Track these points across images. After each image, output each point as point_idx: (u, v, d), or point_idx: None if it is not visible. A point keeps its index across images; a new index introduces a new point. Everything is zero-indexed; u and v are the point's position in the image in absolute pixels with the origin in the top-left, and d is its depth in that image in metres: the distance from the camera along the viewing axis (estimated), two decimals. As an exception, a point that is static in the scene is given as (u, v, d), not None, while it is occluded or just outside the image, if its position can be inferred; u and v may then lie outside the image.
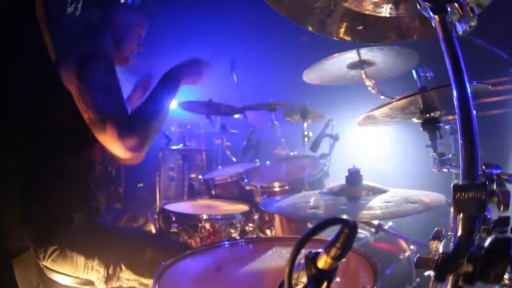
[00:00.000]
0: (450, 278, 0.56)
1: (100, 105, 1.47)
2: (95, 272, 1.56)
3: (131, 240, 1.64)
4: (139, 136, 1.45)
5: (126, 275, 1.55)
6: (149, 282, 1.54)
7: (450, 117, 1.60)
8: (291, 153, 3.32)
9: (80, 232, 1.59)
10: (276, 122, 3.44)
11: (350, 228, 0.57)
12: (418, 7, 0.75)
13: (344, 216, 0.56)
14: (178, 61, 1.76)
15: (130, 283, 1.56)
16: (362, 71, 2.13)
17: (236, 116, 4.13)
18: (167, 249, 1.46)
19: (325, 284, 0.59)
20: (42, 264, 1.59)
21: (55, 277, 1.61)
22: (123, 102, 1.54)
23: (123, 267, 1.55)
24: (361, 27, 1.07)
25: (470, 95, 0.65)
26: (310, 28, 1.04)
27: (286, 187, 2.35)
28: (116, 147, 1.44)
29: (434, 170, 1.29)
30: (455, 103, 0.66)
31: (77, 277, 1.59)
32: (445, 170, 1.27)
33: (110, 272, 1.55)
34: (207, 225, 2.07)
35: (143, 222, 2.20)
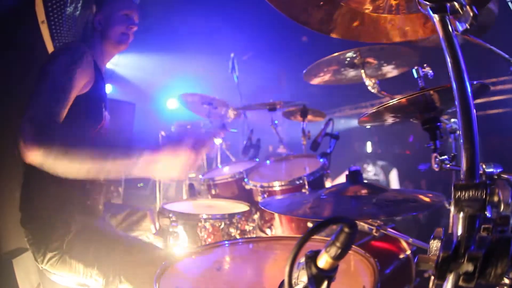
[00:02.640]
0: (450, 277, 0.56)
1: (35, 95, 1.35)
2: (94, 281, 1.55)
3: (132, 252, 1.62)
4: (45, 150, 1.19)
5: (125, 287, 1.54)
6: None
7: (449, 116, 1.60)
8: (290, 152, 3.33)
9: (79, 239, 1.57)
10: (276, 122, 3.44)
11: (350, 227, 0.57)
12: (418, 7, 0.75)
13: (344, 216, 0.56)
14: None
15: None
16: (362, 71, 2.13)
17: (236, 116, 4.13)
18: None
19: (325, 283, 0.59)
20: (41, 267, 1.59)
21: (54, 278, 1.61)
22: (56, 106, 1.35)
23: (122, 279, 1.53)
24: (361, 27, 1.07)
25: (470, 94, 0.65)
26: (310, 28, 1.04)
27: (286, 187, 2.35)
28: (20, 141, 1.21)
29: (435, 169, 1.29)
30: (456, 102, 0.66)
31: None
32: (446, 169, 1.27)
33: (109, 282, 1.53)
34: (207, 225, 2.07)
35: (141, 217, 2.19)
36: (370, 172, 5.30)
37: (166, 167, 1.21)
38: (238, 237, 2.09)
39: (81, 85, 1.56)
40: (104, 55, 1.84)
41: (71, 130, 1.30)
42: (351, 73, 2.30)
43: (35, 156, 1.19)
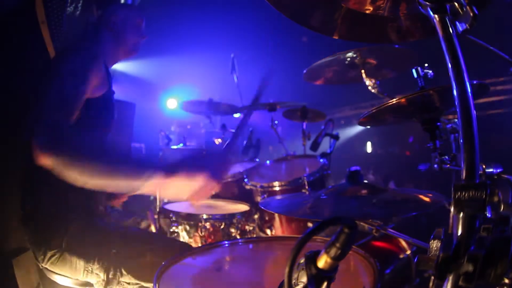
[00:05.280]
0: (450, 278, 0.56)
1: (48, 96, 1.33)
2: (95, 276, 1.55)
3: (132, 243, 1.63)
4: (58, 156, 1.15)
5: (127, 279, 1.55)
6: (150, 285, 1.53)
7: (451, 116, 1.60)
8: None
9: (79, 235, 1.58)
10: (276, 122, 3.44)
11: (350, 227, 0.57)
12: (418, 7, 0.75)
13: (344, 216, 0.56)
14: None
15: (130, 287, 1.56)
16: (362, 71, 2.13)
17: (236, 115, 4.13)
18: (168, 253, 1.46)
19: (325, 284, 0.59)
20: (42, 266, 1.59)
21: (54, 277, 1.61)
22: (70, 109, 1.32)
23: (123, 271, 1.54)
24: (361, 27, 1.07)
25: (470, 94, 0.65)
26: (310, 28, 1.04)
27: (286, 187, 2.35)
28: (34, 143, 1.16)
29: (435, 169, 1.29)
30: (456, 102, 0.66)
31: (77, 279, 1.59)
32: (445, 169, 1.27)
33: (110, 276, 1.54)
34: (207, 225, 2.07)
35: (146, 225, 2.20)
36: (371, 173, 5.30)
37: (177, 191, 1.15)
38: (238, 237, 2.10)
39: (92, 87, 1.55)
40: (113, 58, 1.84)
41: (84, 138, 1.27)
42: (351, 73, 2.30)
43: (48, 161, 1.16)
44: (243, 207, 2.31)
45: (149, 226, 2.19)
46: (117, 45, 1.81)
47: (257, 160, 3.19)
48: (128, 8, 1.85)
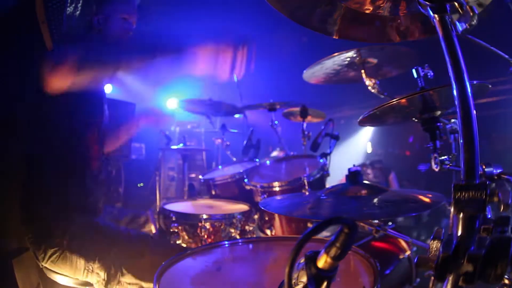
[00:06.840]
0: (450, 278, 0.56)
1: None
2: (95, 275, 1.56)
3: (132, 244, 1.64)
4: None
5: (127, 279, 1.55)
6: (150, 286, 1.53)
7: (450, 117, 1.60)
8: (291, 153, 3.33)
9: (81, 234, 1.58)
10: (276, 122, 3.44)
11: (350, 228, 0.57)
12: (418, 7, 0.75)
13: (344, 216, 0.56)
14: (178, 61, 1.74)
15: (130, 287, 1.56)
16: (362, 71, 2.12)
17: (236, 116, 4.13)
18: (168, 253, 1.47)
19: (325, 284, 0.59)
20: (42, 265, 1.59)
21: (55, 277, 1.61)
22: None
23: (124, 271, 1.54)
24: (361, 27, 1.07)
25: (470, 94, 0.65)
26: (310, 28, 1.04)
27: (286, 187, 2.35)
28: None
29: (435, 169, 1.29)
30: (456, 102, 0.66)
31: (77, 278, 1.59)
32: (445, 169, 1.27)
33: (111, 275, 1.54)
34: (207, 225, 2.07)
35: (144, 222, 2.20)
36: (370, 174, 5.31)
37: None
38: (238, 237, 2.09)
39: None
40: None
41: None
42: (351, 73, 2.30)
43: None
44: (243, 207, 2.31)
45: (147, 222, 2.19)
46: (103, 42, 1.82)
47: (257, 160, 3.19)
48: (114, 5, 1.84)
